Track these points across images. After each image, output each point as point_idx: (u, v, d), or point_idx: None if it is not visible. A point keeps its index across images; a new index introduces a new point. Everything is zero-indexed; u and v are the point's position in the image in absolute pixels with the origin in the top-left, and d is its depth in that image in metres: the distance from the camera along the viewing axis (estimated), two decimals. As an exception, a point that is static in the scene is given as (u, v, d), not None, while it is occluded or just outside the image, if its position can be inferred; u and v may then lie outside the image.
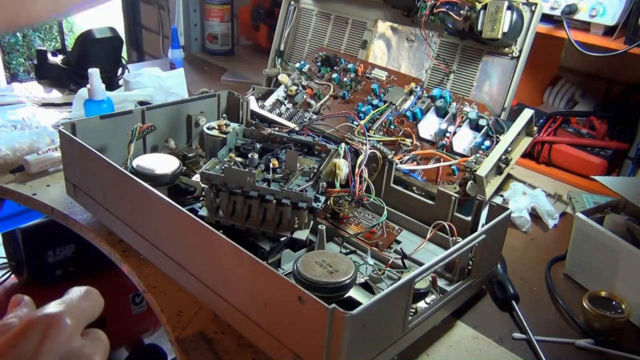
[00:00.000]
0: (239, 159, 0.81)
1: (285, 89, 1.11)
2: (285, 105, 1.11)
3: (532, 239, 0.91)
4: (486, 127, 0.91)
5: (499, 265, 0.77)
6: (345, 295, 0.61)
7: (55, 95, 1.29)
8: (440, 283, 0.70)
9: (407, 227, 0.81)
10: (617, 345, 0.68)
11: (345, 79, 1.09)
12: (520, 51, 0.97)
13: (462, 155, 0.91)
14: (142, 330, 1.55)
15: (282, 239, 0.71)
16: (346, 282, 0.59)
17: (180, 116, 0.94)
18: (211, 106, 0.98)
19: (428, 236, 0.76)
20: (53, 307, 0.33)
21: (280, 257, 0.71)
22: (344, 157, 0.81)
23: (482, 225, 0.72)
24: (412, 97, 1.01)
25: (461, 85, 1.03)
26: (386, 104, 1.01)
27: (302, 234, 0.70)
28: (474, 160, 0.87)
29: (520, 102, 1.16)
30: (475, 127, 0.93)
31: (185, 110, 0.94)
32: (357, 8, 1.18)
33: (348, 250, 0.76)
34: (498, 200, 0.94)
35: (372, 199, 0.80)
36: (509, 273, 0.78)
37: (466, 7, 0.96)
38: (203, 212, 0.72)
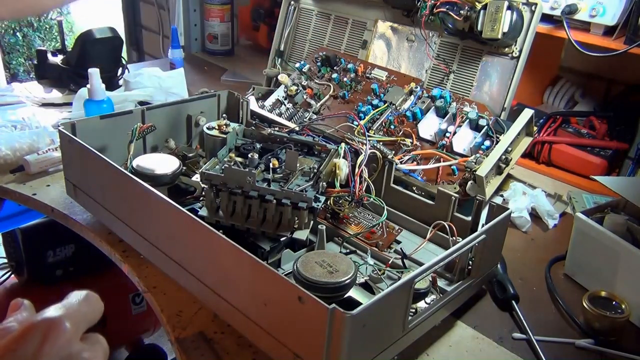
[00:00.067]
0: (239, 159, 0.81)
1: (285, 89, 1.11)
2: (285, 105, 1.11)
3: (532, 239, 0.91)
4: (486, 127, 0.92)
5: (499, 265, 0.77)
6: (345, 295, 0.61)
7: (55, 95, 1.29)
8: (440, 283, 0.70)
9: (407, 227, 0.81)
10: (617, 345, 0.68)
11: (345, 79, 1.09)
12: (520, 51, 0.97)
13: (462, 155, 0.91)
14: (142, 330, 1.55)
15: (282, 239, 0.71)
16: (346, 282, 0.59)
17: (180, 116, 0.94)
18: (211, 106, 0.98)
19: (428, 236, 0.76)
20: (53, 311, 0.33)
21: (280, 257, 0.71)
22: (344, 157, 0.81)
23: (482, 225, 0.72)
24: (412, 97, 1.01)
25: (461, 85, 1.03)
26: (386, 104, 1.01)
27: (302, 234, 0.70)
28: (474, 160, 0.87)
29: (520, 102, 1.16)
30: (475, 127, 0.93)
31: (185, 110, 0.94)
32: (357, 8, 1.18)
33: (348, 250, 0.76)
34: (498, 200, 0.94)
35: (372, 199, 0.80)
36: (509, 273, 0.78)
37: (466, 7, 0.96)
38: (203, 212, 0.72)
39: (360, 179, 0.79)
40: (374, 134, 0.97)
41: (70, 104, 1.20)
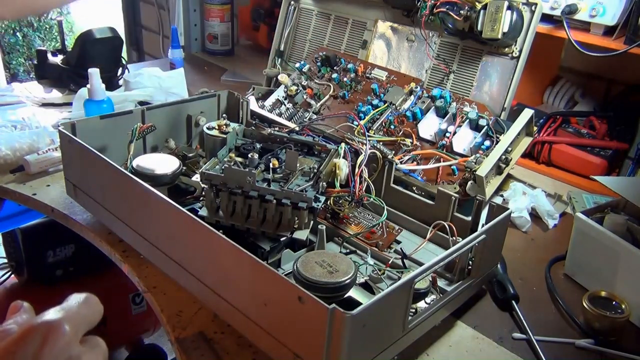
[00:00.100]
0: (239, 159, 0.81)
1: (285, 89, 1.11)
2: (285, 105, 1.11)
3: (532, 239, 0.91)
4: (486, 127, 0.92)
5: (499, 265, 0.77)
6: (345, 295, 0.61)
7: (55, 95, 1.29)
8: (440, 283, 0.70)
9: (407, 227, 0.81)
10: (617, 345, 0.68)
11: (345, 79, 1.09)
12: (520, 51, 0.97)
13: (462, 155, 0.91)
14: (142, 330, 1.55)
15: (282, 239, 0.71)
16: (346, 282, 0.59)
17: (180, 116, 0.94)
18: (211, 106, 0.98)
19: (428, 236, 0.76)
20: (52, 313, 0.33)
21: (280, 257, 0.71)
22: (344, 157, 0.81)
23: (482, 225, 0.72)
24: (412, 97, 1.01)
25: (461, 85, 1.03)
26: (386, 104, 1.01)
27: (302, 234, 0.70)
28: (474, 160, 0.87)
29: (520, 102, 1.16)
30: (475, 127, 0.93)
31: (185, 110, 0.94)
32: (357, 8, 1.18)
33: (348, 250, 0.76)
34: (498, 200, 0.94)
35: (372, 199, 0.80)
36: (509, 273, 0.78)
37: (466, 7, 0.96)
38: (203, 212, 0.72)
39: (360, 179, 0.79)
40: (374, 134, 0.97)
41: (70, 104, 1.20)
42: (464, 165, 0.88)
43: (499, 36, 0.92)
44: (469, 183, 0.85)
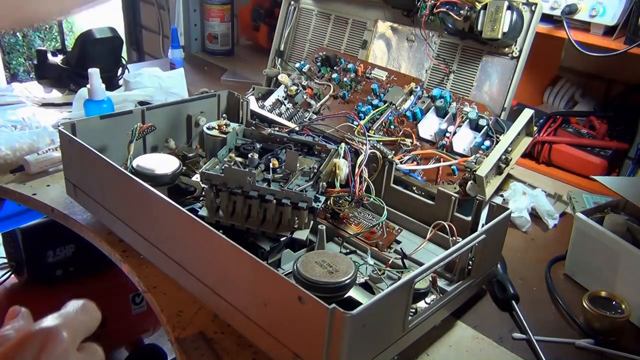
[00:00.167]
0: (239, 159, 0.81)
1: (285, 89, 1.11)
2: (285, 105, 1.11)
3: (532, 239, 0.91)
4: (486, 127, 0.92)
5: (499, 265, 0.77)
6: (345, 295, 0.61)
7: (55, 95, 1.29)
8: (440, 283, 0.70)
9: (407, 227, 0.81)
10: (617, 345, 0.68)
11: (345, 79, 1.09)
12: (520, 51, 0.97)
13: (462, 155, 0.91)
14: (142, 330, 1.55)
15: (282, 239, 0.71)
16: (346, 282, 0.59)
17: (180, 116, 0.94)
18: (211, 106, 0.98)
19: (428, 236, 0.76)
20: (50, 320, 0.33)
21: (280, 257, 0.71)
22: (344, 157, 0.81)
23: (482, 225, 0.72)
24: (412, 97, 1.01)
25: (461, 85, 1.03)
26: (386, 104, 1.01)
27: (302, 234, 0.70)
28: (474, 160, 0.87)
29: (520, 102, 1.16)
30: (475, 127, 0.93)
31: (185, 110, 0.94)
32: (357, 8, 1.18)
33: (348, 250, 0.76)
34: (498, 200, 0.94)
35: (372, 199, 0.80)
36: (509, 273, 0.78)
37: (466, 7, 0.96)
38: (203, 212, 0.72)
39: (360, 179, 0.79)
40: (374, 134, 0.97)
41: (70, 104, 1.20)
42: (464, 165, 0.88)
43: (499, 36, 0.92)
44: (469, 183, 0.85)
